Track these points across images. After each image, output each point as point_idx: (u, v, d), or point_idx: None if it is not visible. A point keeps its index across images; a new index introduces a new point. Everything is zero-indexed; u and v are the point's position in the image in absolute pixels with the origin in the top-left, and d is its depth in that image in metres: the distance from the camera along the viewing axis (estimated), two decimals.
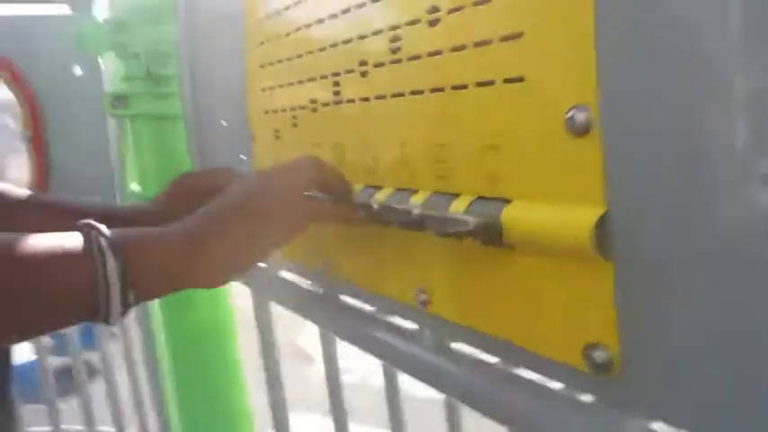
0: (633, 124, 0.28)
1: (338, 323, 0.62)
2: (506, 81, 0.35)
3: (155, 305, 1.12)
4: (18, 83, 1.02)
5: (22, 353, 1.95)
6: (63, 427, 1.52)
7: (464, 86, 0.38)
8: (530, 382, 0.38)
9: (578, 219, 0.30)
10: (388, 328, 0.54)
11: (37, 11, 1.04)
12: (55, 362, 1.61)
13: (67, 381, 1.49)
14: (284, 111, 0.64)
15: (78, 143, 1.08)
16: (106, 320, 0.36)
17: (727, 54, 0.24)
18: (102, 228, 0.37)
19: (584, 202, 0.31)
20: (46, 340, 1.48)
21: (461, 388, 0.44)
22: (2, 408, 0.44)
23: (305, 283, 0.69)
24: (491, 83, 0.36)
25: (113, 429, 1.46)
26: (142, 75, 1.00)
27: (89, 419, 1.48)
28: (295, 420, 0.84)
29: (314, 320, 0.66)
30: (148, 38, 0.99)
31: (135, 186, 1.13)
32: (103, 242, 0.36)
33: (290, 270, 0.72)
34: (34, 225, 0.50)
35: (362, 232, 0.53)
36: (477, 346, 0.43)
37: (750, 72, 0.23)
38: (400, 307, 0.51)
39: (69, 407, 1.62)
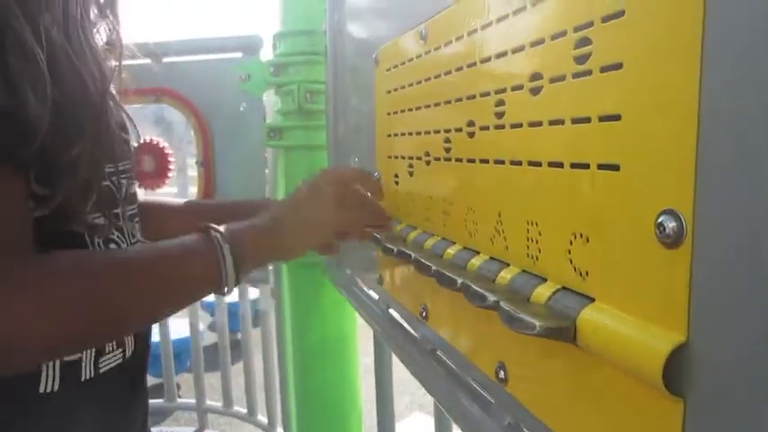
0: (734, 245, 0.23)
1: (425, 373, 0.60)
2: (601, 167, 0.31)
3: (286, 307, 1.21)
4: (195, 116, 1.17)
5: (179, 330, 2.24)
6: (208, 402, 1.69)
7: (560, 164, 0.35)
8: None
9: (652, 345, 0.26)
10: (470, 394, 0.51)
11: (214, 57, 1.19)
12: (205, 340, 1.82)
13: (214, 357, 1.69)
14: (403, 158, 0.65)
15: (240, 168, 1.20)
16: (226, 290, 0.49)
17: None
18: (218, 227, 0.50)
19: (665, 326, 0.26)
20: (198, 323, 1.69)
21: None
22: (139, 383, 0.57)
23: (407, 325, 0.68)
24: (586, 166, 0.32)
25: (246, 410, 1.60)
26: (295, 109, 1.08)
27: (227, 397, 1.63)
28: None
29: (406, 365, 0.65)
30: (302, 76, 1.07)
31: None
32: (220, 237, 0.49)
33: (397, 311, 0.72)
34: (184, 227, 0.72)
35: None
36: None
37: None
38: (482, 376, 0.48)
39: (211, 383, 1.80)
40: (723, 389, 0.24)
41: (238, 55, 1.20)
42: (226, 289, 0.49)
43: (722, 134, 0.23)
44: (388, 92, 0.68)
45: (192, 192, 1.29)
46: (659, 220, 0.26)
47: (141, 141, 1.36)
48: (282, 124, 1.13)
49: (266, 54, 1.18)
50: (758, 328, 0.22)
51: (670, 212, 0.26)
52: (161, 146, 1.30)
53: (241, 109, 1.15)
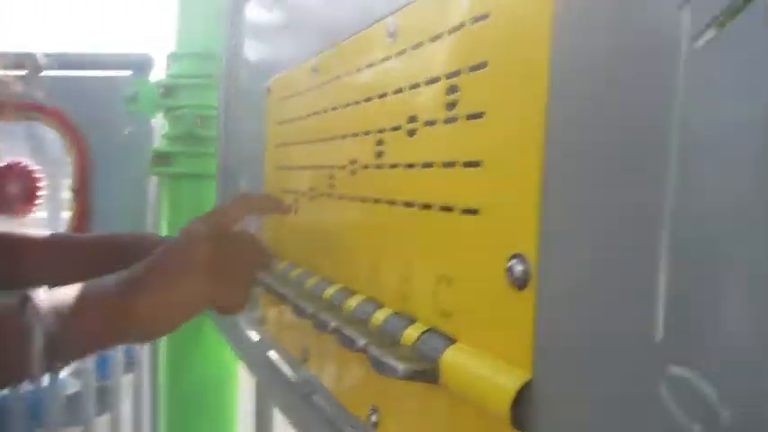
0: (572, 287, 0.24)
1: (304, 420, 0.58)
2: (464, 211, 0.32)
3: (162, 351, 1.13)
4: (71, 135, 1.08)
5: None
6: None
7: (430, 207, 0.35)
8: None
9: (502, 384, 0.26)
10: None
11: (100, 74, 1.12)
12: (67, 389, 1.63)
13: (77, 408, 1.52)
14: (289, 192, 0.63)
15: (122, 196, 1.12)
16: (35, 381, 0.40)
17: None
18: (38, 301, 0.40)
19: (514, 365, 0.27)
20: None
21: None
22: None
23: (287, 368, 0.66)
24: (451, 209, 0.33)
25: None
26: (184, 134, 1.04)
27: None
28: None
29: (284, 411, 0.63)
30: (194, 100, 1.04)
31: None
32: (34, 317, 0.39)
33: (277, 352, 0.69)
34: (47, 265, 0.63)
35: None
36: None
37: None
38: (357, 421, 0.46)
39: None
40: (566, 424, 0.24)
41: (127, 73, 1.14)
42: (30, 379, 0.39)
43: (562, 184, 0.25)
44: (279, 123, 0.67)
45: (66, 218, 1.19)
46: (509, 263, 0.27)
47: (4, 164, 1.24)
48: (170, 150, 1.08)
49: (157, 75, 1.14)
50: (595, 366, 0.23)
51: (518, 256, 0.27)
52: (29, 168, 1.20)
53: (126, 132, 1.09)
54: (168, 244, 0.47)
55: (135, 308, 0.42)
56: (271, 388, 0.69)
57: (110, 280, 0.44)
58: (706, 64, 0.19)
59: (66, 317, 0.40)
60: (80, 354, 0.42)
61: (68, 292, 0.41)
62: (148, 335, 0.46)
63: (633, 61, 0.21)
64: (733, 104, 0.18)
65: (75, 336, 0.40)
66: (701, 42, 0.19)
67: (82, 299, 0.41)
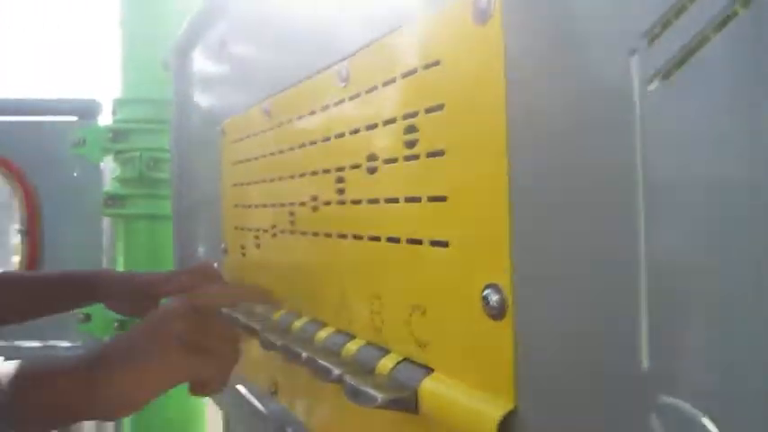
0: (549, 316, 0.26)
1: None
2: (433, 243, 0.33)
3: None
4: (19, 180, 1.05)
5: None
6: None
7: (397, 240, 0.37)
8: None
9: (484, 414, 0.27)
10: None
11: (46, 119, 1.10)
12: None
13: None
14: (250, 230, 0.64)
15: (73, 238, 1.09)
16: None
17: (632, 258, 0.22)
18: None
19: (495, 394, 0.28)
20: None
21: None
22: None
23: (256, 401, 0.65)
24: (419, 242, 0.34)
25: None
26: (136, 177, 1.02)
27: None
28: None
29: None
30: (145, 144, 1.03)
31: None
32: None
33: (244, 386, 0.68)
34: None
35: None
36: None
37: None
38: None
39: None
40: None
41: (73, 118, 1.12)
42: None
43: (531, 214, 0.26)
44: (235, 164, 0.67)
45: (15, 261, 1.14)
46: (484, 293, 0.28)
47: None
48: (122, 192, 1.06)
49: (104, 119, 1.12)
50: (581, 395, 0.24)
51: (493, 286, 0.28)
52: None
53: (75, 175, 1.07)
54: (143, 320, 0.46)
55: (103, 383, 0.40)
56: (240, 423, 0.68)
57: (78, 354, 0.43)
58: (656, 110, 0.20)
59: (27, 389, 0.39)
60: (40, 428, 0.41)
61: (32, 365, 0.41)
62: (116, 411, 0.42)
63: (588, 101, 0.24)
64: (689, 150, 0.20)
65: (35, 409, 0.39)
66: (651, 88, 0.21)
67: (47, 372, 0.41)
